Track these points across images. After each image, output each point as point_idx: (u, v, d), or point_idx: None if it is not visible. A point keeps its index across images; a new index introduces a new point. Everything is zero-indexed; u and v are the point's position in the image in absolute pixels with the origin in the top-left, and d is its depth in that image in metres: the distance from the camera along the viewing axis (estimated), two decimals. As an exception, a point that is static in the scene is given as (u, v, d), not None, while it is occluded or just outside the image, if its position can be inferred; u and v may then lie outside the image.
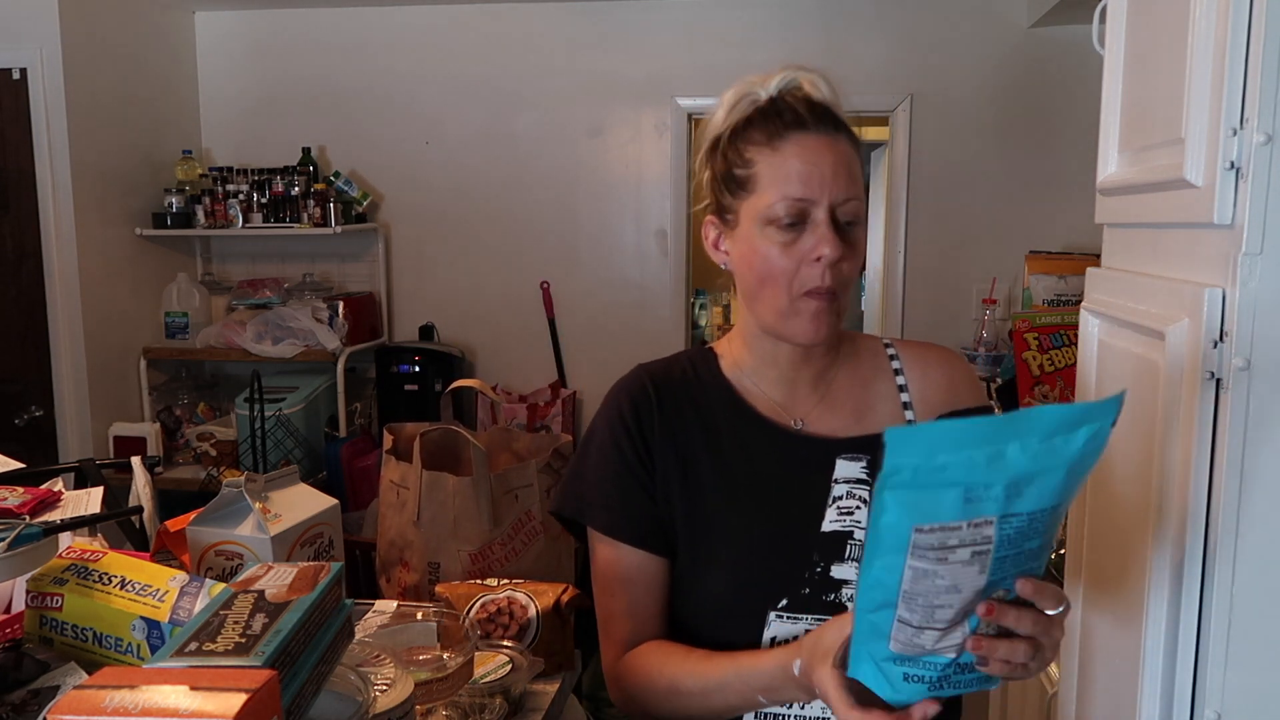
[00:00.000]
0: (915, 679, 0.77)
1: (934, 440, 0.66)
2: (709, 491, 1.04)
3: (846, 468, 1.03)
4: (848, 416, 1.07)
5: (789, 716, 1.00)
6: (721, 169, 1.03)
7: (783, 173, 0.96)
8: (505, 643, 1.30)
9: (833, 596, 0.99)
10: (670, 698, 1.00)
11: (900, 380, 1.09)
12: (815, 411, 1.07)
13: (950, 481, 0.66)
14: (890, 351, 1.11)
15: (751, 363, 1.09)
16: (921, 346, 1.13)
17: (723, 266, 1.07)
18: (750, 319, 1.06)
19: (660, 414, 1.08)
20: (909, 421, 1.05)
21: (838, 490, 1.03)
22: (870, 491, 1.00)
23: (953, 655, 0.75)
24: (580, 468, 1.10)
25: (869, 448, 1.04)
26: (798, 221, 0.96)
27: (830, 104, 1.00)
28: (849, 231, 0.97)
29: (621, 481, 1.05)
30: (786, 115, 0.98)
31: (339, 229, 3.62)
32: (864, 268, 1.13)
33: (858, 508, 1.02)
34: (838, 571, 1.00)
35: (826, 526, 1.01)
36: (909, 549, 0.69)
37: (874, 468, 0.97)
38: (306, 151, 3.77)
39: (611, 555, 1.06)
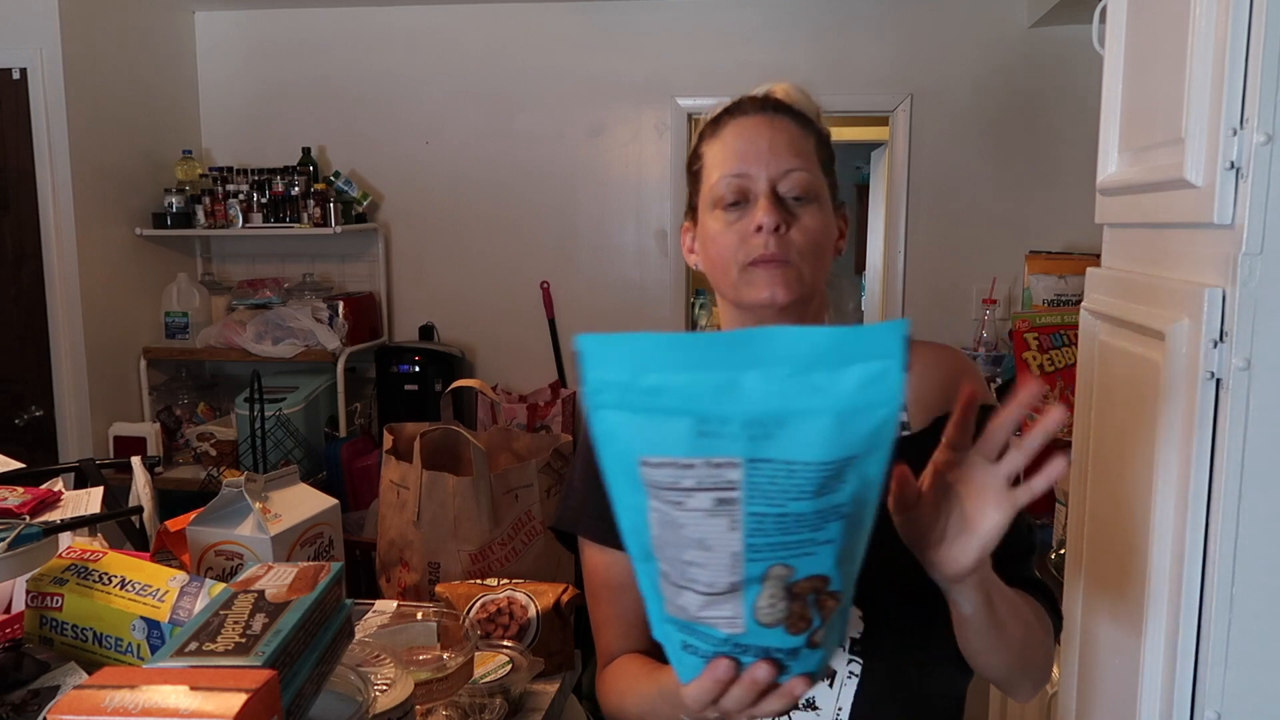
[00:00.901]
0: (691, 650, 0.66)
1: (637, 355, 0.57)
2: None
3: None
4: None
5: None
6: (687, 174, 1.08)
7: (722, 154, 1.00)
8: (505, 643, 1.30)
9: None
10: (627, 713, 0.99)
11: None
12: None
13: (672, 408, 0.56)
14: None
15: None
16: (922, 345, 1.08)
17: (695, 268, 1.07)
18: (725, 310, 1.06)
19: None
20: (904, 424, 1.00)
21: None
22: None
23: (725, 631, 0.63)
24: (572, 480, 1.09)
25: None
26: (740, 200, 0.98)
27: (788, 100, 1.04)
28: (795, 205, 0.98)
29: (595, 496, 1.01)
30: (735, 106, 1.04)
31: (339, 229, 3.62)
32: (841, 252, 1.03)
33: None
34: None
35: None
36: (646, 486, 0.59)
37: None
38: (306, 151, 3.77)
39: (603, 562, 1.04)
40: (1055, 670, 1.41)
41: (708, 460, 0.56)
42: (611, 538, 1.02)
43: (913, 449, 0.87)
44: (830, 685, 0.97)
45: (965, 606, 0.83)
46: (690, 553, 0.60)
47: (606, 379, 0.57)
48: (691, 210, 1.06)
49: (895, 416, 0.57)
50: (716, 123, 1.04)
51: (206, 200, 3.67)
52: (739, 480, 0.57)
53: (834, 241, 1.03)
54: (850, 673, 0.97)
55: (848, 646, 0.98)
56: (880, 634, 0.97)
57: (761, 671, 0.64)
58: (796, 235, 0.97)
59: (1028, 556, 1.05)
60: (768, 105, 1.02)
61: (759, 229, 0.96)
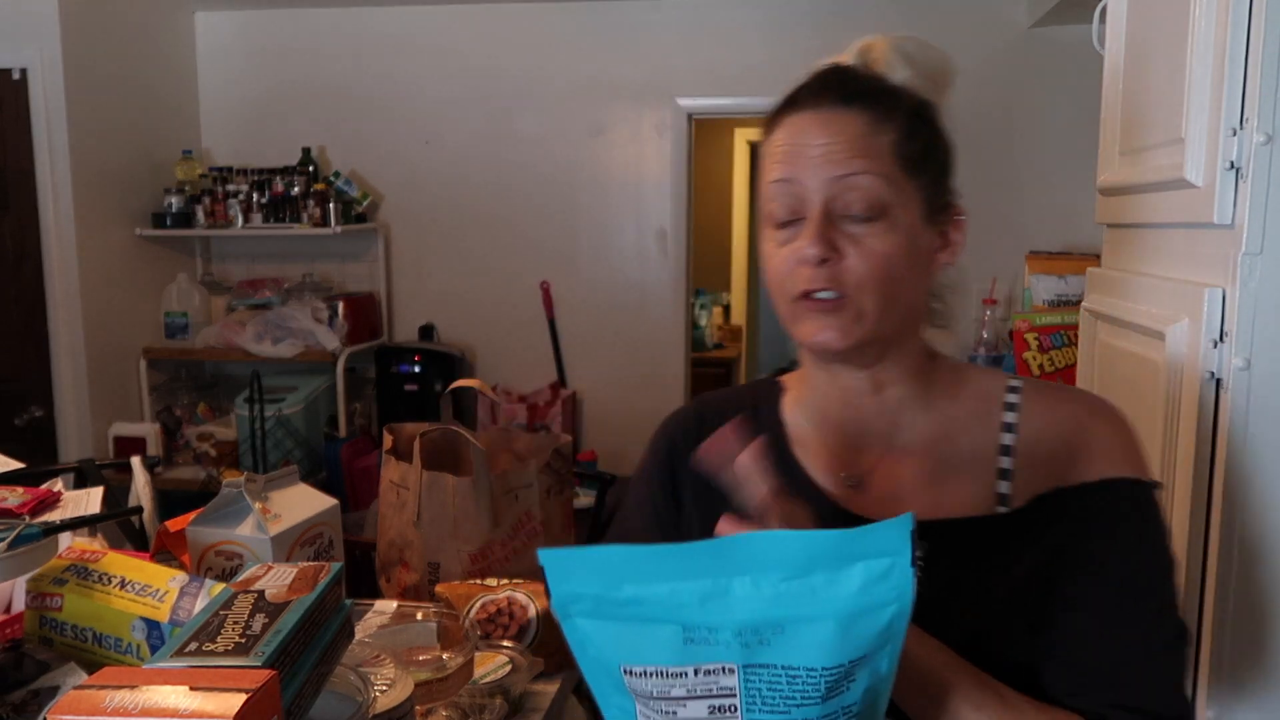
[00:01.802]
0: None
1: (609, 568, 0.52)
2: None
3: None
4: (921, 475, 0.84)
5: None
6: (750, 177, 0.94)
7: (770, 159, 0.84)
8: (505, 643, 1.30)
9: None
10: None
11: (1007, 437, 0.83)
12: (879, 466, 0.86)
13: (655, 617, 0.52)
14: (1012, 395, 0.85)
15: (809, 397, 0.91)
16: (1059, 393, 0.87)
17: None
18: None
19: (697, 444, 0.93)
20: (1000, 495, 0.81)
21: None
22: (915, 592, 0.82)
23: None
24: (618, 512, 1.01)
25: (926, 535, 0.78)
26: (791, 216, 0.81)
27: (868, 73, 0.85)
28: (855, 225, 0.79)
29: (649, 529, 0.93)
30: (792, 96, 0.84)
31: (339, 229, 3.62)
32: (948, 266, 0.83)
33: None
34: None
35: None
36: (631, 694, 0.55)
37: (928, 564, 0.78)
38: (306, 151, 3.77)
39: None
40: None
41: (699, 668, 0.52)
42: None
43: (1004, 532, 0.79)
44: None
45: None
46: None
47: (577, 592, 0.53)
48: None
49: (906, 612, 0.53)
50: (772, 118, 0.86)
51: (206, 200, 3.67)
52: (735, 687, 0.53)
53: (924, 262, 0.83)
54: None
55: None
56: None
57: None
58: (855, 264, 0.79)
59: (1138, 662, 0.77)
60: (829, 90, 0.82)
61: (804, 260, 0.79)
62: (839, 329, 0.80)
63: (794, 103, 0.83)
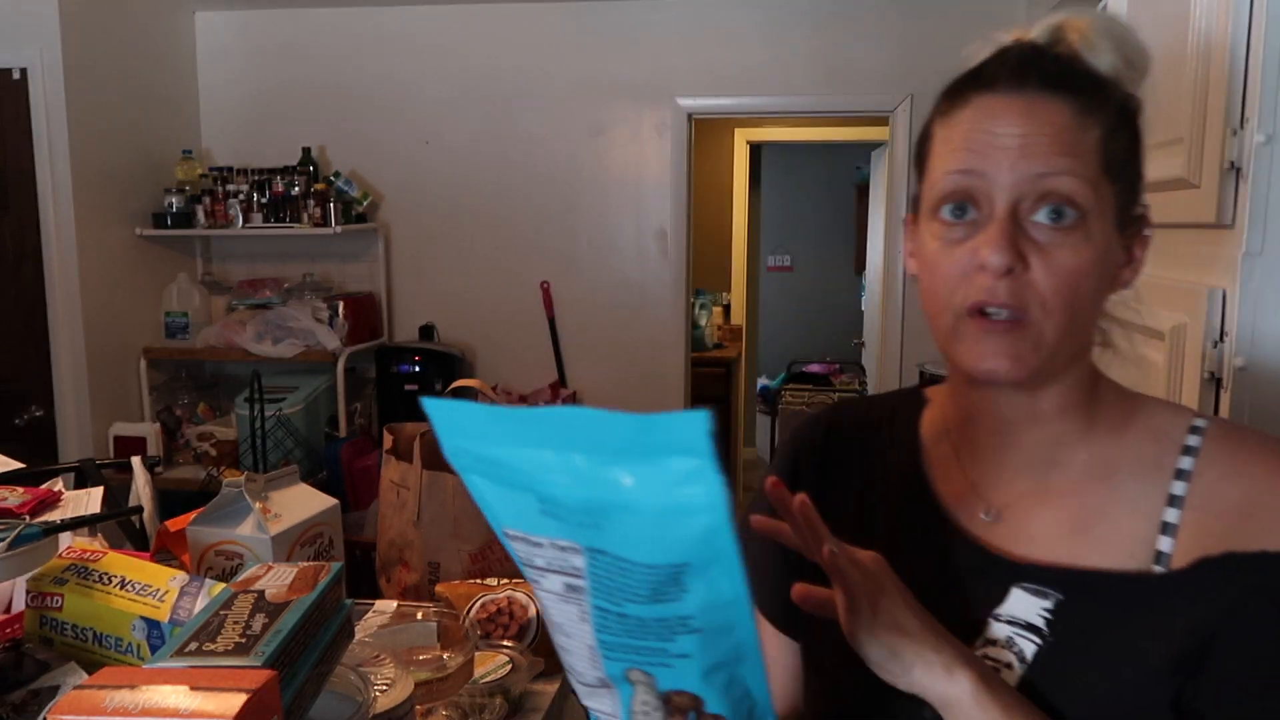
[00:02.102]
0: None
1: (470, 425, 0.51)
2: None
3: (1021, 603, 0.71)
4: (1069, 517, 0.73)
5: None
6: (915, 155, 0.79)
7: (951, 141, 0.71)
8: (505, 643, 1.30)
9: None
10: None
11: (1178, 486, 0.70)
12: (1022, 501, 0.75)
13: (517, 483, 0.51)
14: (1193, 437, 0.72)
15: (954, 416, 0.81)
16: (1251, 440, 0.72)
17: (913, 276, 0.78)
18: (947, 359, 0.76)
19: (821, 466, 0.85)
20: (1158, 553, 0.69)
21: (996, 631, 0.71)
22: (1040, 645, 0.70)
23: None
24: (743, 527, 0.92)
25: (1064, 583, 0.71)
26: (966, 210, 0.70)
27: (1074, 59, 0.71)
28: (1049, 232, 0.67)
29: (769, 550, 0.79)
30: (984, 72, 0.72)
31: (339, 229, 3.62)
32: (1128, 286, 0.74)
33: (1012, 665, 0.70)
34: None
35: None
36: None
37: (1061, 616, 0.70)
38: (306, 151, 3.77)
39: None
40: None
41: (553, 542, 0.52)
42: (764, 608, 0.85)
43: (1158, 595, 0.68)
44: None
45: None
46: (559, 636, 0.57)
47: (459, 445, 0.52)
48: (914, 203, 0.78)
49: (725, 528, 0.49)
50: (956, 93, 0.73)
51: (206, 200, 3.67)
52: (583, 568, 0.52)
53: (1109, 281, 0.72)
54: None
55: None
56: None
57: None
58: (1042, 278, 0.67)
59: None
60: (1030, 71, 0.69)
61: (983, 265, 0.67)
62: (1013, 357, 0.68)
63: (985, 81, 0.71)
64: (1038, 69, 0.69)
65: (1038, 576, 0.71)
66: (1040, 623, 0.70)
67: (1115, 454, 0.73)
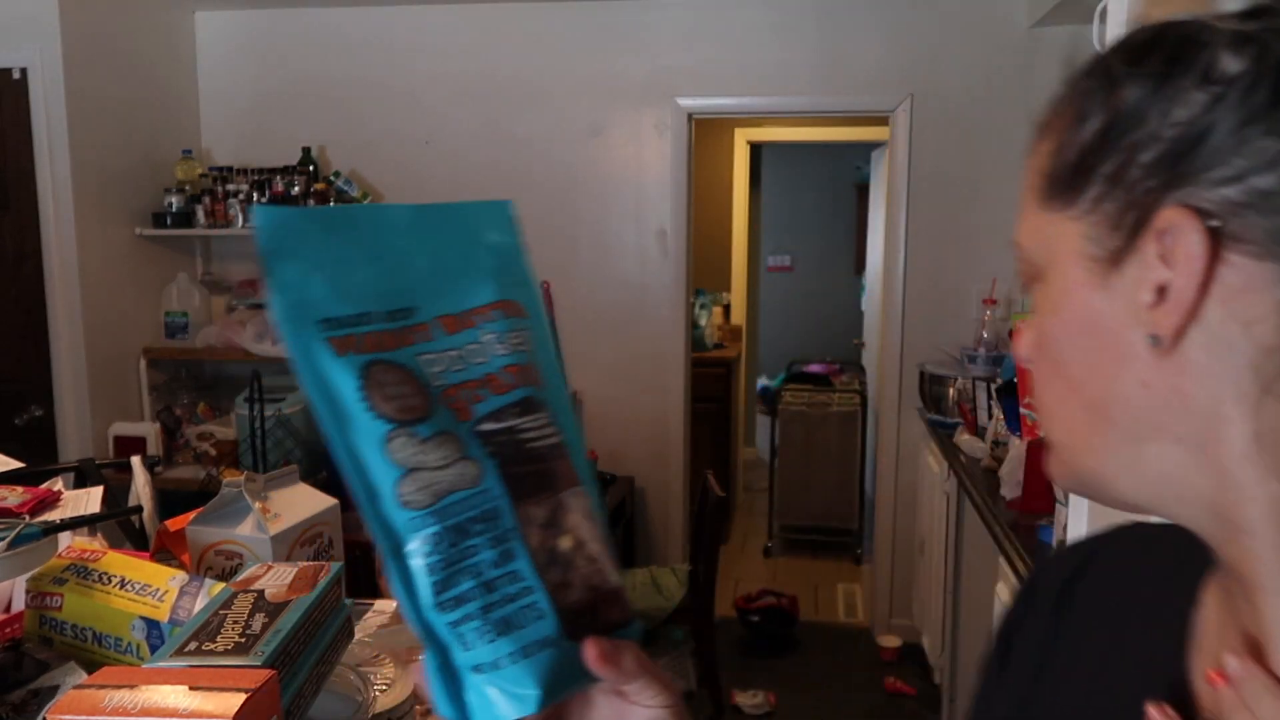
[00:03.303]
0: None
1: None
2: None
3: None
4: None
5: None
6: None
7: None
8: (505, 643, 1.30)
9: None
10: None
11: None
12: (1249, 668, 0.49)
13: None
14: None
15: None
16: None
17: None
18: None
19: (1061, 595, 0.63)
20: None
21: None
22: None
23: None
24: None
25: None
26: None
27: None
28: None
29: (983, 668, 0.67)
30: None
31: (339, 229, 3.61)
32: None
33: None
34: None
35: None
36: None
37: None
38: (307, 151, 3.77)
39: None
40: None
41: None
42: None
43: None
44: None
45: None
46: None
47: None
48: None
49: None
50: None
51: (206, 200, 3.67)
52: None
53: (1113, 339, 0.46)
54: None
55: None
56: None
57: None
58: (1033, 367, 0.52)
59: None
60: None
61: None
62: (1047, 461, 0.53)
63: None
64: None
65: None
66: None
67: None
